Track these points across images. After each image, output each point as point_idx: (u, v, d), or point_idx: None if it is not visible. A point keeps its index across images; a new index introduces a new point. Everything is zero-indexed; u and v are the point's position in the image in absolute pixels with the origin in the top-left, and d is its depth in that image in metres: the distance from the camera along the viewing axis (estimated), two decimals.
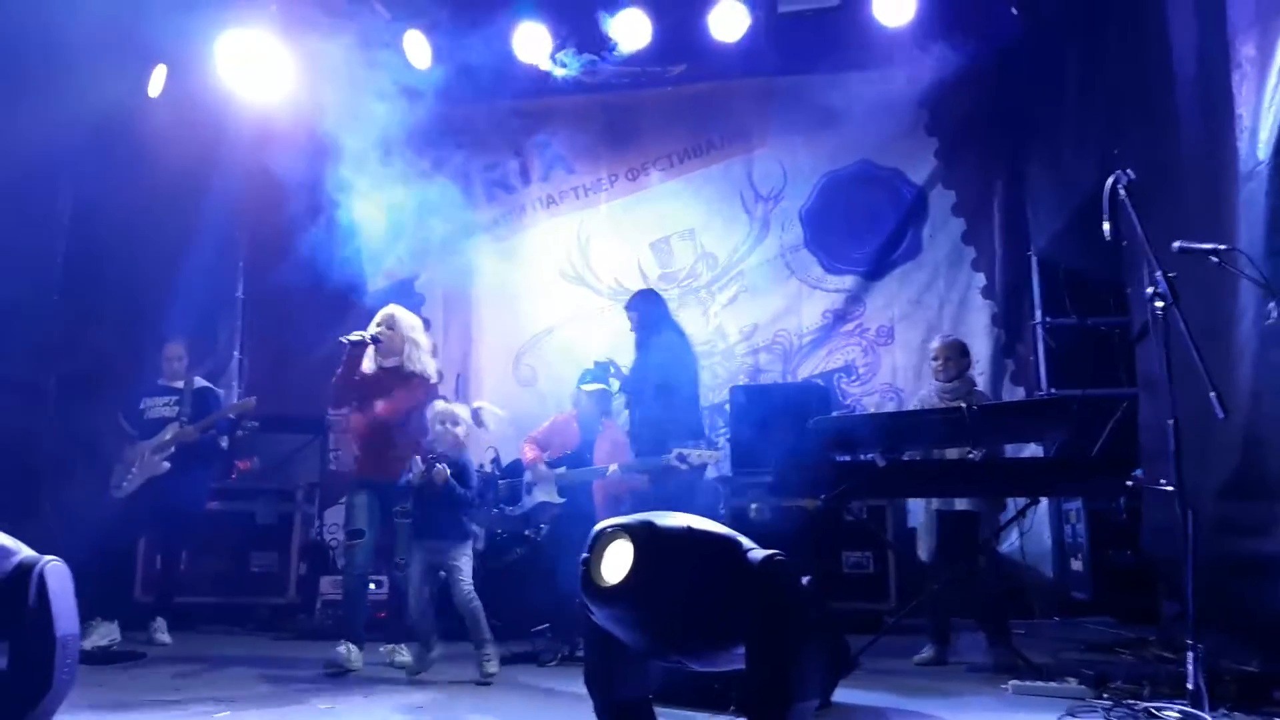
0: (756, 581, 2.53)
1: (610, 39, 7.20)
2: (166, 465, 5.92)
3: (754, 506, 6.49)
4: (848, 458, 5.32)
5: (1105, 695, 3.86)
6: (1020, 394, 7.62)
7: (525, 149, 8.40)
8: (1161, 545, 5.10)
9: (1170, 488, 3.47)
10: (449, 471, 4.72)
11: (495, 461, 6.59)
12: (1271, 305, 3.86)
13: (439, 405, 4.94)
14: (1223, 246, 3.81)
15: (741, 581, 2.55)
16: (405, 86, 7.38)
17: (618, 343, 7.99)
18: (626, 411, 7.41)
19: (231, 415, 6.64)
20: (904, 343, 7.92)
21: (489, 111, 8.35)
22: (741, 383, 7.72)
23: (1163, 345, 3.60)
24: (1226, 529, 4.29)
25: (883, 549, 6.30)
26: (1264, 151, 4.08)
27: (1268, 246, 4.01)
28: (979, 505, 5.14)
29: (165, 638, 5.86)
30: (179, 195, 6.69)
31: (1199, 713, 3.17)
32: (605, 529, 2.65)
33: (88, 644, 5.40)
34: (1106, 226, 3.80)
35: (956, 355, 5.44)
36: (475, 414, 5.09)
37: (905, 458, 5.07)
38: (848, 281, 8.09)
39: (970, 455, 5.03)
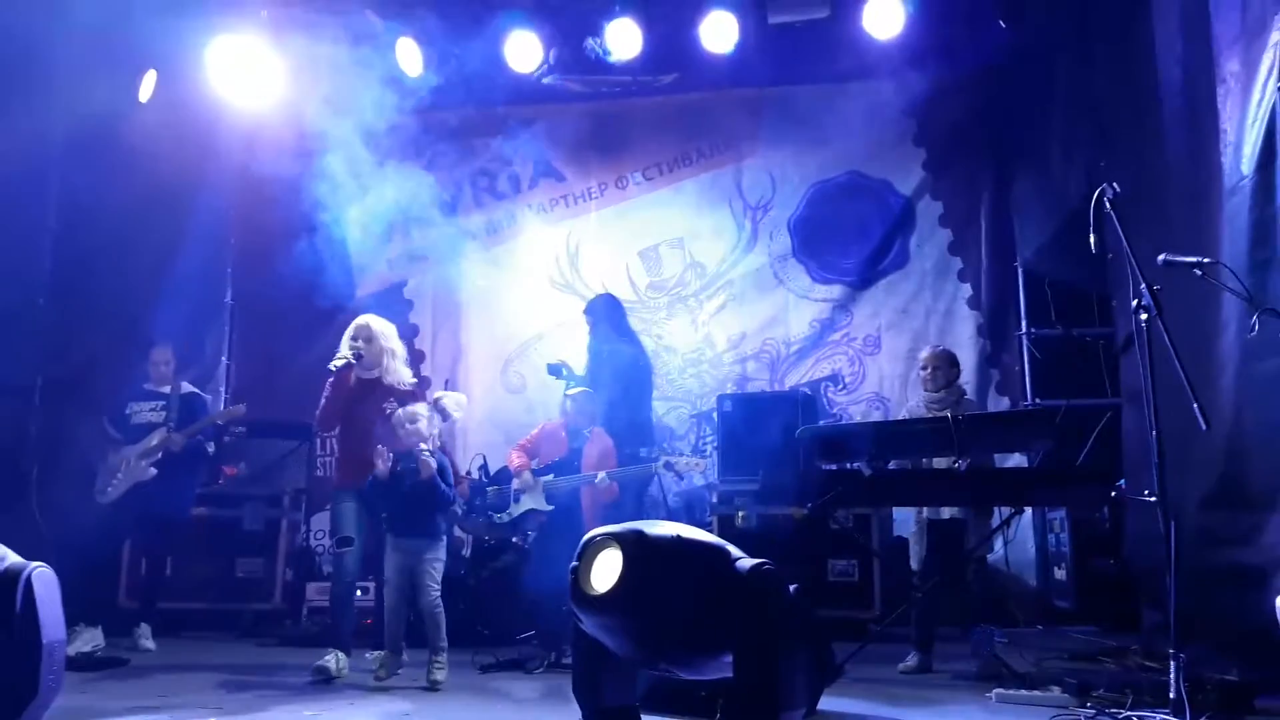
0: (745, 590, 2.55)
1: (601, 48, 7.23)
2: (153, 471, 5.88)
3: (741, 514, 6.51)
4: (834, 466, 5.35)
5: (1088, 703, 3.89)
6: (1005, 404, 7.67)
7: (516, 157, 8.40)
8: (1144, 555, 5.14)
9: (1153, 498, 3.50)
10: (433, 464, 4.70)
11: (483, 468, 6.59)
12: (1254, 318, 3.90)
13: (397, 411, 4.90)
14: (1207, 260, 3.86)
15: (730, 590, 2.56)
16: (396, 93, 7.40)
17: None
18: None
19: (220, 422, 6.62)
20: (891, 352, 7.96)
21: (480, 119, 8.36)
22: (729, 391, 7.74)
23: (1146, 357, 3.63)
24: (1208, 539, 4.33)
25: (868, 557, 6.32)
26: (1247, 166, 4.12)
27: (1251, 260, 4.05)
28: (965, 513, 5.18)
29: (150, 644, 5.83)
30: (168, 200, 6.67)
31: None
32: (594, 537, 2.67)
33: (71, 650, 5.37)
34: (1093, 239, 3.84)
35: (945, 365, 5.47)
36: (436, 405, 5.06)
37: (891, 467, 5.10)
38: (835, 291, 8.13)
39: (956, 465, 5.06)
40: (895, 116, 8.13)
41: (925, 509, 5.28)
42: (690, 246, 8.34)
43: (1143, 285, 3.61)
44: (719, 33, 7.12)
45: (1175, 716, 3.23)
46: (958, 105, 8.03)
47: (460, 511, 6.62)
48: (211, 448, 6.41)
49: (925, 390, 5.50)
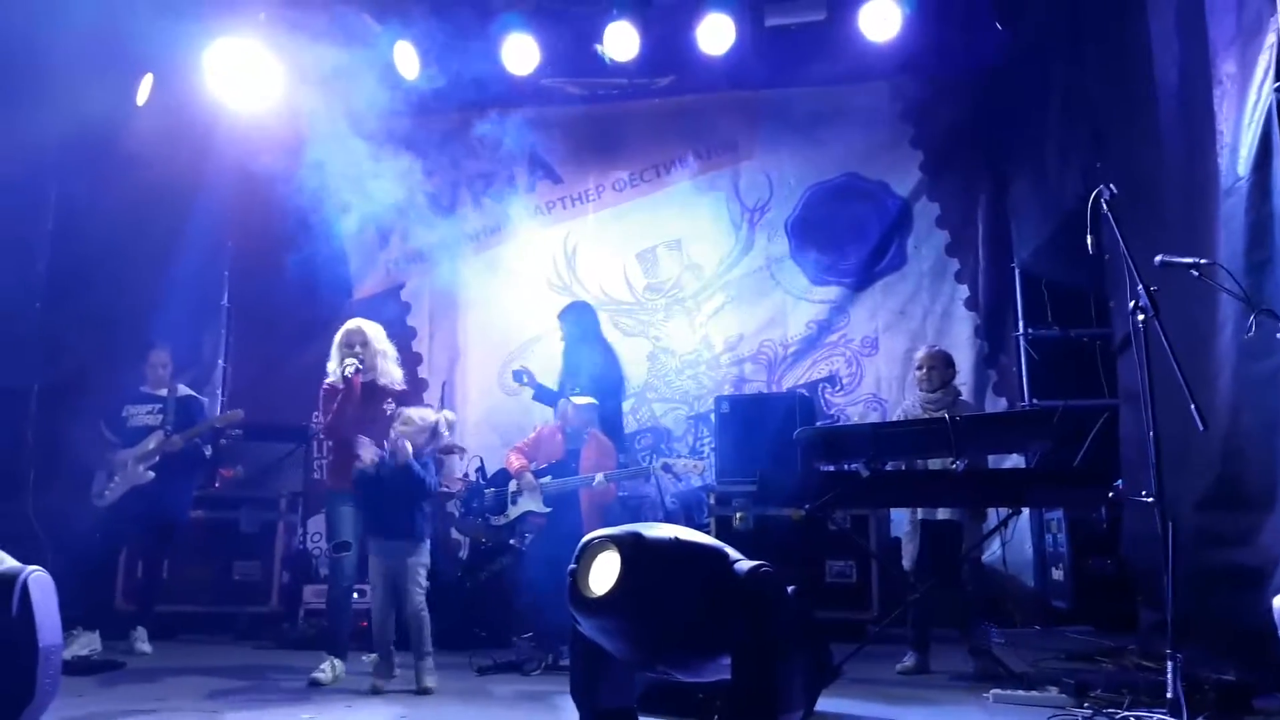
0: (743, 592, 2.55)
1: (599, 51, 7.24)
2: (150, 475, 5.87)
3: (739, 516, 6.50)
4: (832, 468, 5.35)
5: (1085, 704, 3.90)
6: (1003, 405, 7.68)
7: (513, 159, 8.40)
8: (1141, 555, 5.15)
9: (1151, 499, 3.51)
10: (410, 448, 4.68)
11: (480, 470, 6.59)
12: (1251, 319, 3.91)
13: (403, 409, 4.89)
14: (1203, 260, 3.87)
15: (728, 592, 2.56)
16: (393, 96, 7.40)
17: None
18: None
19: (218, 426, 6.61)
20: (888, 353, 7.97)
21: (477, 122, 8.35)
22: (727, 392, 7.74)
23: (1144, 357, 3.64)
24: (1206, 540, 4.33)
25: (866, 559, 6.32)
26: (1244, 167, 4.13)
27: (1247, 261, 4.06)
28: (961, 515, 5.18)
29: (146, 647, 5.81)
30: (165, 204, 6.66)
31: None
32: (593, 540, 2.67)
33: (68, 653, 5.36)
34: (1089, 240, 3.85)
35: (941, 366, 5.48)
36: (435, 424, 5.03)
37: (889, 468, 5.10)
38: (833, 292, 8.14)
39: (953, 465, 5.06)
40: (892, 118, 8.15)
41: (920, 510, 5.29)
42: (688, 248, 8.34)
43: (1140, 286, 3.62)
44: (716, 35, 7.14)
45: (1172, 717, 3.23)
46: (954, 107, 8.05)
47: (459, 510, 6.62)
48: (209, 451, 6.40)
49: (920, 390, 5.51)
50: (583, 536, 2.75)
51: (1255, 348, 3.97)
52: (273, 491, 7.08)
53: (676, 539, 2.67)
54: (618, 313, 8.38)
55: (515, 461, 5.83)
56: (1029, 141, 7.30)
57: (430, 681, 4.59)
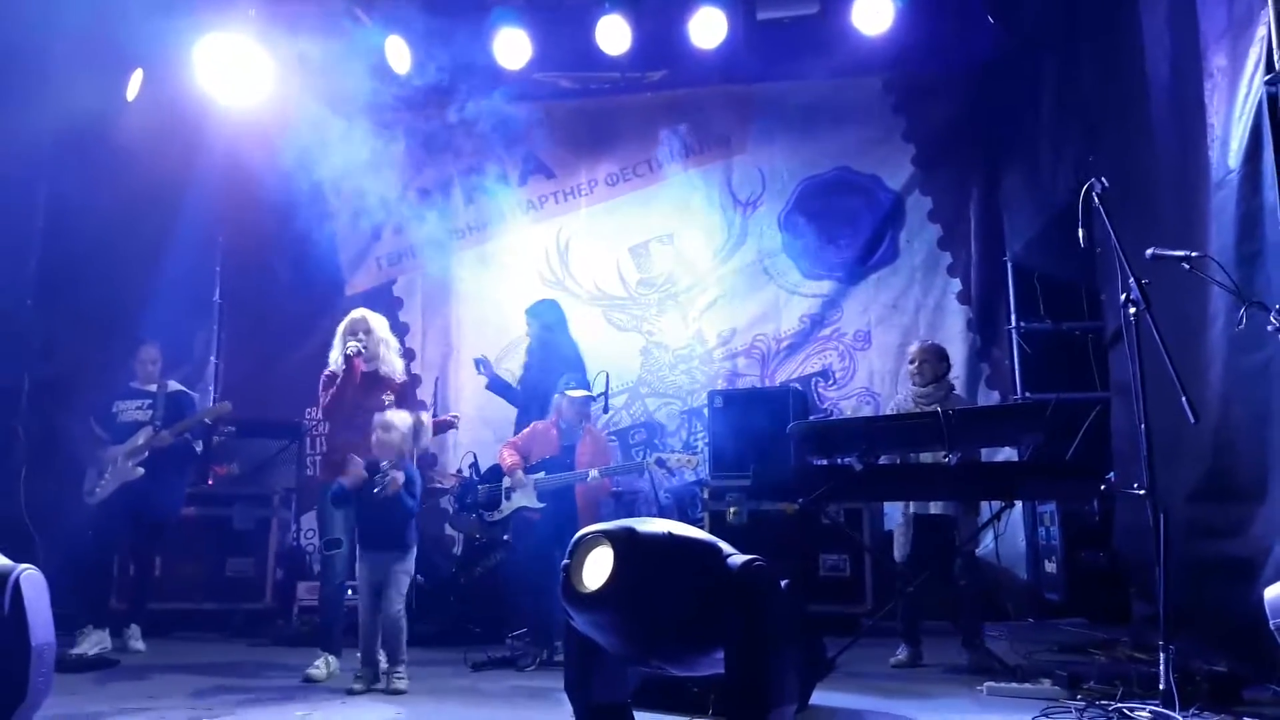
0: (736, 587, 2.56)
1: (590, 45, 7.23)
2: (140, 471, 5.84)
3: (732, 510, 6.51)
4: (825, 462, 5.36)
5: (1079, 696, 3.91)
6: (995, 398, 7.70)
7: (505, 154, 8.39)
8: (1134, 547, 5.17)
9: (1143, 491, 3.52)
10: (403, 478, 4.65)
11: (474, 466, 6.58)
12: (1242, 311, 3.92)
13: (377, 415, 4.84)
14: (1194, 253, 3.88)
15: (722, 587, 2.57)
16: (385, 91, 7.38)
17: (598, 347, 8.04)
18: (605, 416, 7.46)
19: (207, 420, 6.60)
20: (881, 347, 7.97)
21: (468, 116, 8.32)
22: (720, 387, 7.75)
23: (1135, 350, 3.65)
24: (1197, 532, 4.35)
25: (859, 552, 6.34)
26: (1234, 160, 4.14)
27: (1238, 253, 4.08)
28: (954, 509, 5.20)
29: (139, 645, 5.80)
30: (156, 199, 6.63)
31: (1170, 713, 3.22)
32: (586, 535, 2.67)
33: (77, 651, 5.36)
34: (1081, 234, 3.86)
35: (934, 360, 5.49)
36: (417, 423, 4.99)
37: (882, 461, 5.11)
38: (825, 287, 8.14)
39: (946, 459, 5.07)
40: (884, 112, 8.15)
41: (913, 504, 5.30)
42: (680, 243, 8.33)
43: (1131, 279, 3.63)
44: (708, 29, 7.13)
45: (1165, 708, 3.25)
46: (947, 101, 8.06)
47: (452, 506, 6.61)
48: (199, 447, 6.37)
49: (913, 385, 5.52)
50: (576, 532, 2.74)
51: (1246, 340, 3.99)
52: (266, 488, 7.08)
53: (670, 534, 2.67)
54: (610, 308, 8.37)
55: (508, 457, 5.82)
56: (1021, 135, 7.32)
57: (401, 686, 4.53)
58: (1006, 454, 6.57)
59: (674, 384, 8.20)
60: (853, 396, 7.95)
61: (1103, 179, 3.89)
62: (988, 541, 6.14)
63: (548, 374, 6.10)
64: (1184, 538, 4.22)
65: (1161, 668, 3.29)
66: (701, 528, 5.29)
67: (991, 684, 4.31)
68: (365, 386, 5.13)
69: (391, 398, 5.14)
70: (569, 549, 2.67)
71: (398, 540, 4.71)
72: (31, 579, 2.84)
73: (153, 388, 6.11)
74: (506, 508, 5.78)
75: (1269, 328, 3.60)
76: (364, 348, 5.14)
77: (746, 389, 7.72)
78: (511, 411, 7.70)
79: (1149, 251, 3.84)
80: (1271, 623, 3.06)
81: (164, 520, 6.10)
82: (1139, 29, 5.08)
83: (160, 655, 5.66)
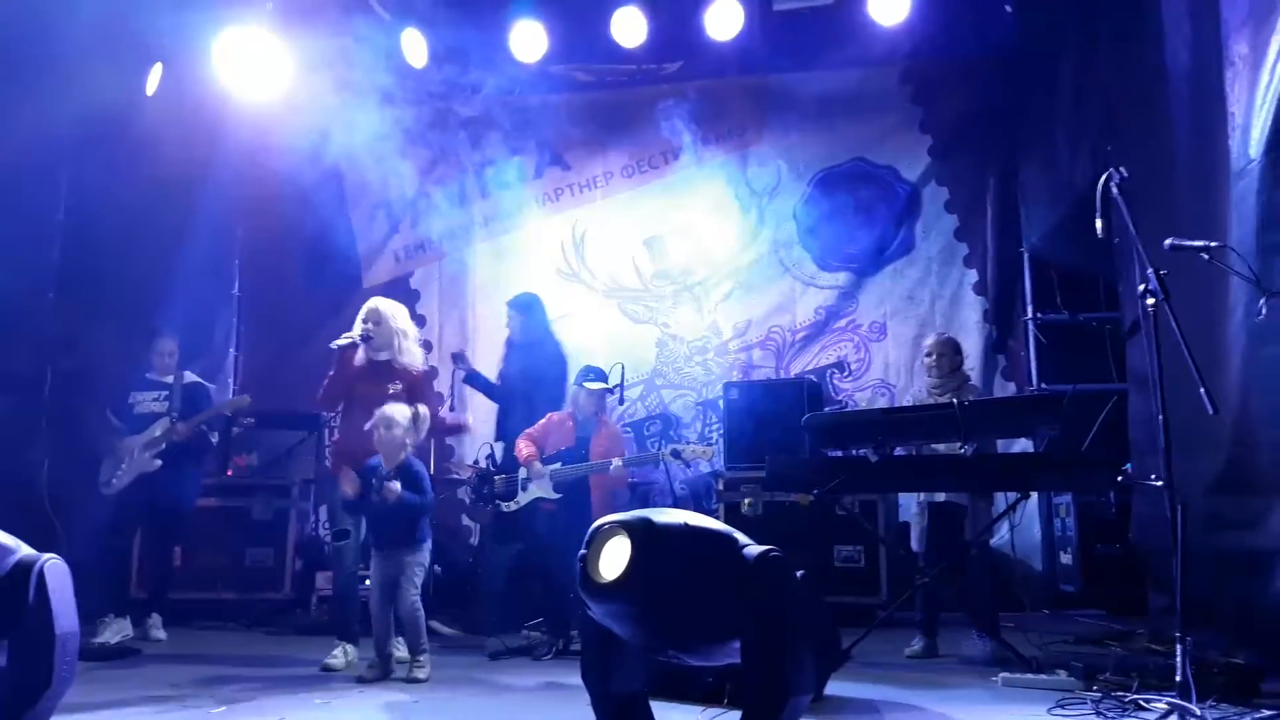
0: (753, 577, 2.57)
1: (606, 37, 7.23)
2: (158, 463, 5.87)
3: (747, 501, 6.53)
4: (840, 453, 5.36)
5: (1094, 687, 3.91)
6: (1011, 389, 7.67)
7: (521, 146, 8.40)
8: (1150, 539, 5.15)
9: (1160, 483, 3.51)
10: (399, 487, 4.62)
11: (490, 458, 6.61)
12: (1262, 302, 3.89)
13: (376, 411, 4.82)
14: (1214, 243, 3.84)
15: (738, 577, 2.58)
16: (402, 84, 7.41)
17: (613, 339, 8.07)
18: (620, 408, 7.47)
19: (227, 412, 6.65)
20: (896, 339, 7.96)
21: (485, 109, 8.36)
22: (735, 379, 7.76)
23: (1153, 341, 3.63)
24: (1215, 524, 4.33)
25: (874, 543, 6.34)
26: (1256, 150, 4.10)
27: (1258, 243, 4.04)
28: (965, 496, 5.18)
29: (160, 634, 5.87)
30: (176, 192, 6.68)
31: (1187, 704, 3.21)
32: (603, 525, 2.68)
33: (100, 640, 5.43)
34: (1099, 224, 3.83)
35: (950, 352, 5.48)
36: (416, 416, 4.98)
37: (897, 453, 5.10)
38: (841, 278, 8.13)
39: (962, 450, 5.07)
40: (901, 103, 8.12)
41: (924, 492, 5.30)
42: (696, 235, 8.32)
43: (1150, 270, 3.60)
44: (724, 20, 7.12)
45: (1181, 700, 3.24)
46: (964, 91, 8.01)
47: (469, 497, 6.63)
48: (215, 437, 6.39)
49: (929, 377, 5.51)
50: (592, 523, 2.76)
51: (1266, 331, 3.96)
52: (285, 479, 7.13)
53: (686, 524, 2.68)
54: (626, 299, 8.39)
55: (524, 449, 5.85)
56: (1039, 125, 7.27)
57: (421, 674, 4.56)
58: (1022, 445, 6.55)
59: (689, 376, 8.21)
60: (868, 388, 7.95)
61: (1121, 169, 3.86)
62: (1003, 533, 6.13)
63: (528, 372, 6.05)
64: (1202, 530, 4.20)
65: (1178, 659, 3.27)
66: (716, 519, 5.31)
67: (1007, 675, 4.31)
68: (372, 377, 5.12)
69: (398, 386, 5.10)
70: (586, 539, 2.69)
71: (408, 538, 4.72)
72: (55, 568, 2.87)
73: (169, 379, 6.13)
74: (523, 498, 5.81)
75: None
76: (364, 338, 5.12)
77: (762, 380, 7.73)
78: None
79: (1168, 242, 3.81)
80: None
81: (180, 511, 6.13)
82: (1158, 17, 5.03)
83: (181, 644, 5.73)
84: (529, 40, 7.29)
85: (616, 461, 5.58)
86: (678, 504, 6.63)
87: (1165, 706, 3.31)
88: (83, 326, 6.07)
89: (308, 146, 7.21)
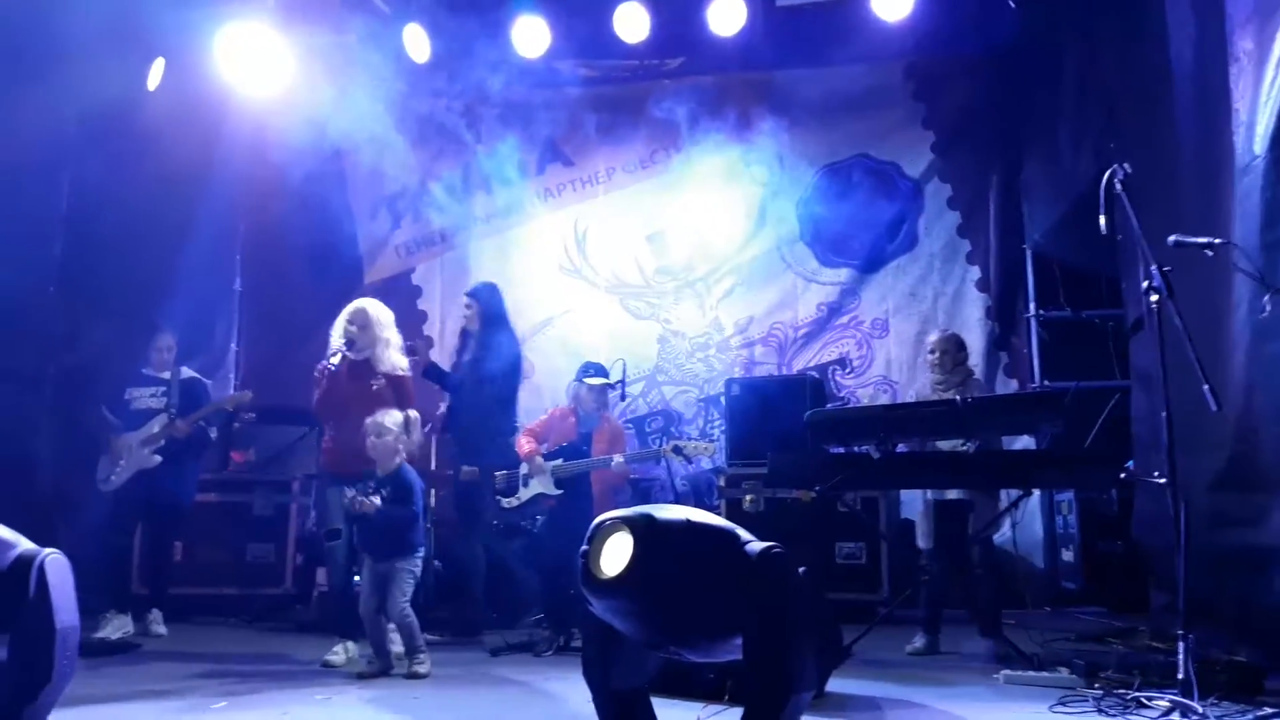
0: (755, 573, 2.56)
1: (609, 32, 7.22)
2: (157, 459, 5.86)
3: (748, 498, 6.53)
4: (842, 449, 5.36)
5: (1096, 685, 3.90)
6: (1014, 386, 7.66)
7: (523, 142, 8.38)
8: (1152, 536, 5.14)
9: (1163, 480, 3.50)
10: (376, 503, 4.59)
11: None
12: (1266, 298, 3.88)
13: (367, 420, 4.79)
14: (1218, 240, 3.84)
15: (740, 573, 2.57)
16: (404, 80, 7.39)
17: (615, 335, 8.06)
18: (622, 404, 7.47)
19: (227, 408, 6.64)
20: (899, 335, 7.94)
21: (487, 105, 8.35)
22: (737, 375, 7.75)
23: (1157, 338, 3.62)
24: (1218, 521, 4.32)
25: (876, 540, 6.33)
26: (1260, 145, 4.09)
27: (1263, 240, 4.03)
28: (972, 494, 5.18)
29: (161, 629, 5.87)
30: (177, 188, 6.66)
31: (1189, 702, 3.20)
32: (604, 521, 2.67)
33: (100, 635, 5.43)
34: (1103, 220, 3.83)
35: (954, 349, 5.47)
36: (408, 421, 4.96)
37: (900, 450, 5.10)
38: (843, 274, 8.11)
39: (964, 447, 5.06)
40: (904, 99, 8.10)
41: (930, 490, 5.29)
42: (698, 231, 8.31)
43: (1154, 266, 3.60)
44: (726, 16, 7.10)
45: (1184, 697, 3.23)
46: (967, 87, 8.00)
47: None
48: (214, 433, 6.37)
49: (933, 374, 5.50)
50: (594, 519, 2.76)
51: (1269, 328, 3.96)
52: (286, 474, 7.13)
53: (688, 520, 2.67)
54: (628, 296, 8.38)
55: (526, 444, 5.85)
56: (1042, 121, 7.26)
57: (421, 670, 4.55)
58: (1025, 442, 6.54)
59: (691, 372, 8.20)
60: (870, 385, 7.93)
61: (1125, 165, 3.85)
62: (1005, 529, 6.12)
63: (479, 362, 5.93)
64: (1205, 527, 4.20)
65: (1180, 656, 3.27)
66: (718, 515, 5.31)
67: (1008, 672, 4.31)
68: (352, 375, 5.11)
69: (381, 382, 5.11)
70: (588, 535, 2.68)
71: (397, 548, 4.69)
72: (56, 562, 2.86)
73: (166, 375, 6.11)
74: (524, 494, 5.81)
75: None
76: (348, 345, 5.10)
77: (763, 377, 7.72)
78: (532, 399, 7.69)
79: (1171, 238, 3.81)
80: None
81: (179, 507, 6.12)
82: (1162, 13, 5.02)
83: (181, 640, 5.72)
84: (531, 35, 7.26)
85: (618, 458, 5.59)
86: (679, 500, 6.64)
87: (1167, 704, 3.31)
88: (84, 322, 6.06)
89: (309, 142, 7.19)
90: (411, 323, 5.64)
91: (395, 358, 5.25)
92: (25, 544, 2.90)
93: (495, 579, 6.38)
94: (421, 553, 4.82)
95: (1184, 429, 3.60)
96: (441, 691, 4.26)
